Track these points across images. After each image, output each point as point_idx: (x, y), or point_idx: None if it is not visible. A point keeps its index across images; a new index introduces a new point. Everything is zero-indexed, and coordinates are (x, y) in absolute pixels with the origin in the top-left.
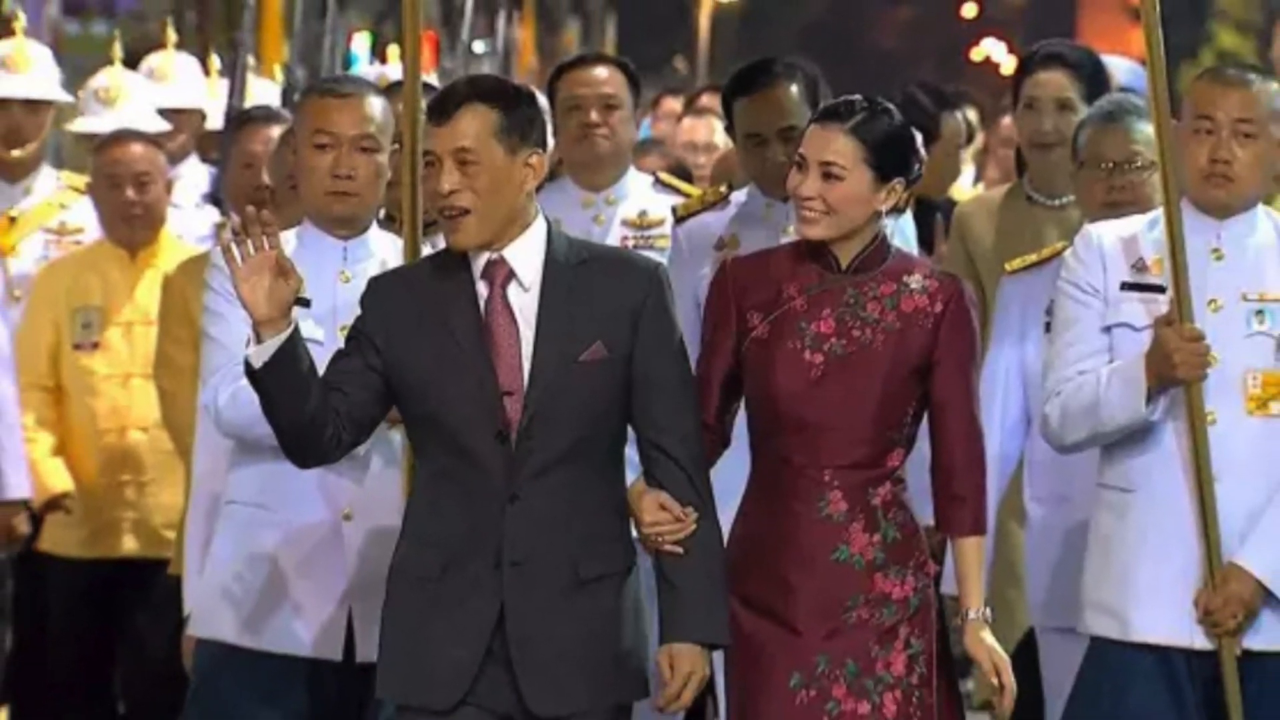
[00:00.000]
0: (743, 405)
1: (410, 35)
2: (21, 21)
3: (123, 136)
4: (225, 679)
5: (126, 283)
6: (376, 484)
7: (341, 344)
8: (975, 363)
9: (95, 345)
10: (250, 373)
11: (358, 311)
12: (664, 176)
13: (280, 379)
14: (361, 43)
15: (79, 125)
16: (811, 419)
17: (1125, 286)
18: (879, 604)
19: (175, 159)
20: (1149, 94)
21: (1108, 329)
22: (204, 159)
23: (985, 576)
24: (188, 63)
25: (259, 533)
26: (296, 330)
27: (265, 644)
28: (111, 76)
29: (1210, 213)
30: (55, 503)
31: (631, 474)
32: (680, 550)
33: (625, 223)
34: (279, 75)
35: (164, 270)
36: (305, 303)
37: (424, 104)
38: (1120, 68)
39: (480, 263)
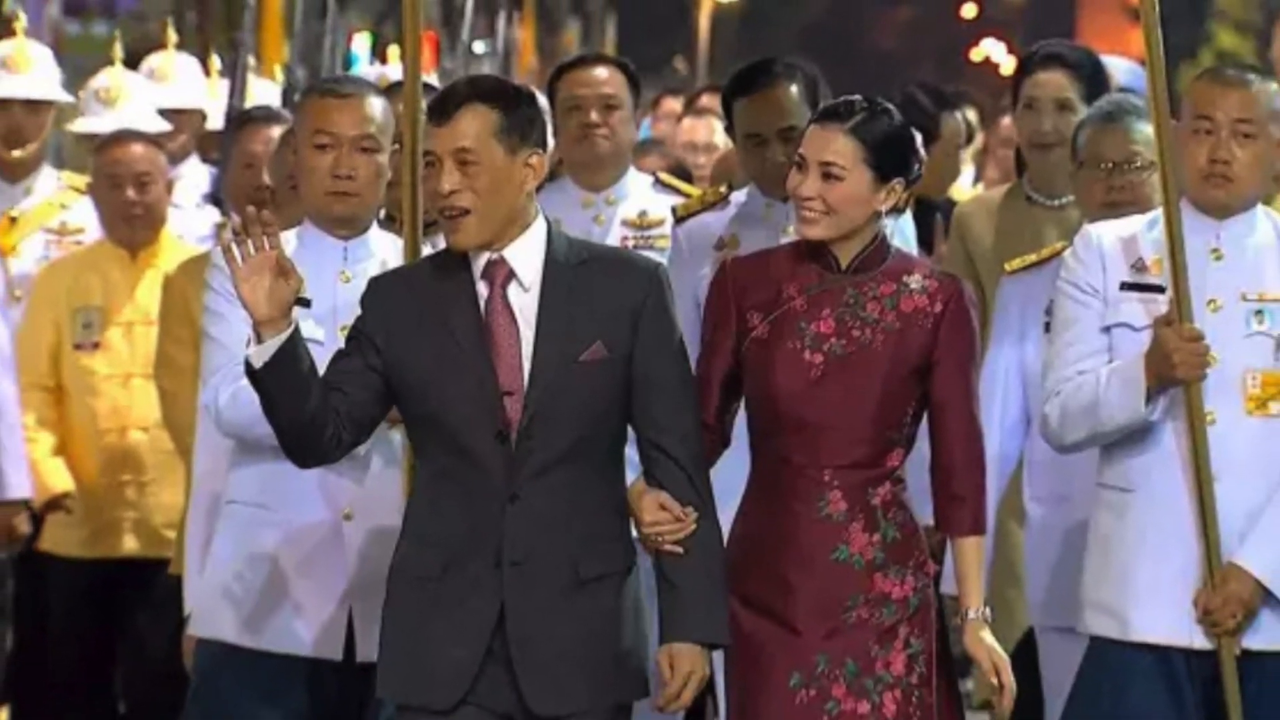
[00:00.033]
0: (743, 405)
1: (410, 35)
2: (22, 22)
3: (123, 137)
4: (226, 678)
5: (127, 283)
6: (377, 484)
7: (342, 344)
8: (975, 363)
9: (96, 345)
10: (251, 373)
11: (358, 311)
12: (664, 177)
13: (280, 379)
14: (362, 43)
15: (80, 125)
16: (811, 419)
17: (1125, 286)
18: (879, 604)
19: (176, 159)
20: (1148, 94)
21: (1107, 329)
22: (204, 159)
23: (985, 576)
24: (188, 63)
25: (259, 532)
26: (297, 330)
27: (266, 644)
28: (112, 77)
29: (1209, 213)
30: (56, 502)
31: (631, 474)
32: (680, 550)
33: (625, 223)
34: (279, 75)
35: (164, 270)
36: (306, 303)
37: (424, 104)
38: (1119, 68)
39: (480, 263)
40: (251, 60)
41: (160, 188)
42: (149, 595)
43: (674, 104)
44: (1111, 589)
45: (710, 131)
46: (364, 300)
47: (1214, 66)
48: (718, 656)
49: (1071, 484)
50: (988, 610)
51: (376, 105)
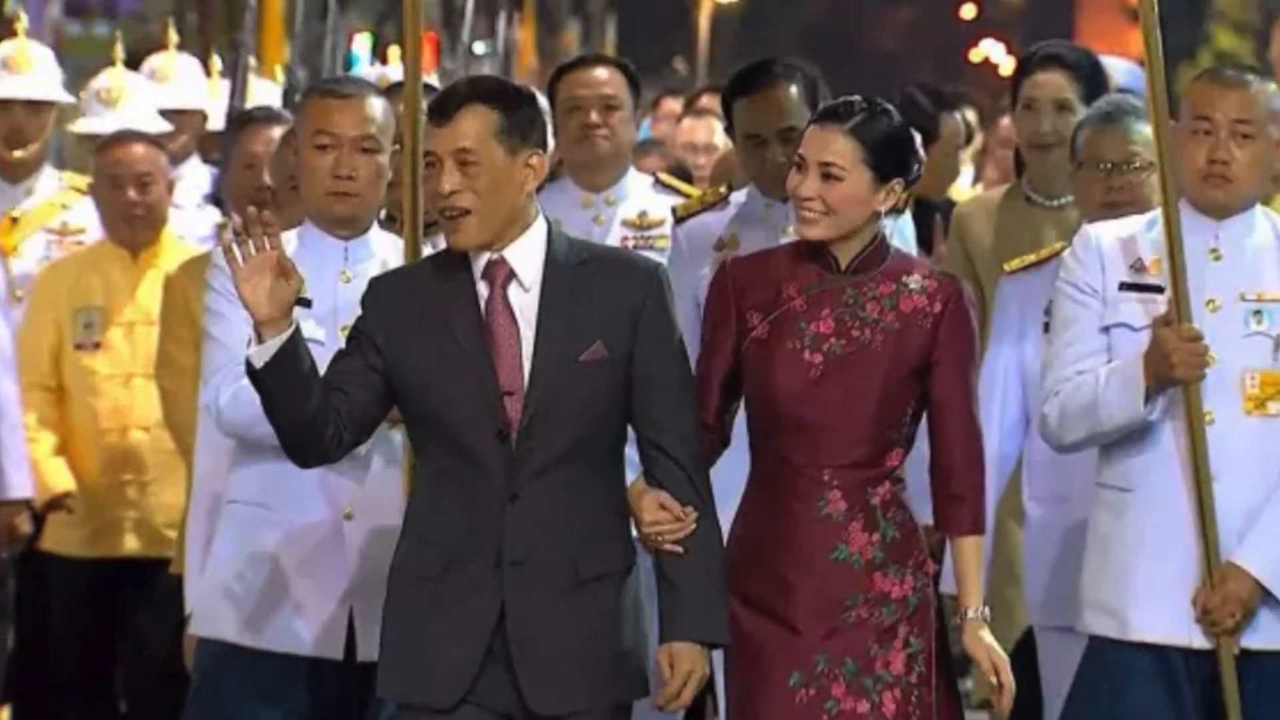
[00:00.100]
0: (743, 405)
1: (411, 36)
2: (23, 22)
3: (124, 137)
4: (226, 678)
5: (128, 283)
6: (377, 483)
7: (342, 344)
8: (974, 363)
9: (97, 345)
10: (251, 372)
11: (358, 311)
12: (664, 177)
13: (281, 379)
14: (362, 44)
15: (81, 126)
16: (811, 419)
17: (1124, 287)
18: (878, 603)
19: (177, 160)
20: (1147, 95)
21: (1106, 329)
22: (205, 160)
23: (984, 576)
24: (189, 64)
25: (260, 532)
26: (298, 330)
27: (266, 643)
28: (113, 77)
29: (1208, 213)
30: (57, 502)
31: (631, 474)
32: (680, 550)
33: (625, 223)
34: (280, 76)
35: (165, 270)
36: (306, 303)
37: (425, 105)
38: (1119, 69)
39: (481, 263)
40: (252, 61)
41: (161, 188)
42: (150, 595)
43: (674, 104)
44: (1110, 588)
45: (710, 132)
46: (364, 300)
47: (1213, 67)
48: (717, 656)
49: (1070, 484)
50: (987, 610)
51: (377, 106)
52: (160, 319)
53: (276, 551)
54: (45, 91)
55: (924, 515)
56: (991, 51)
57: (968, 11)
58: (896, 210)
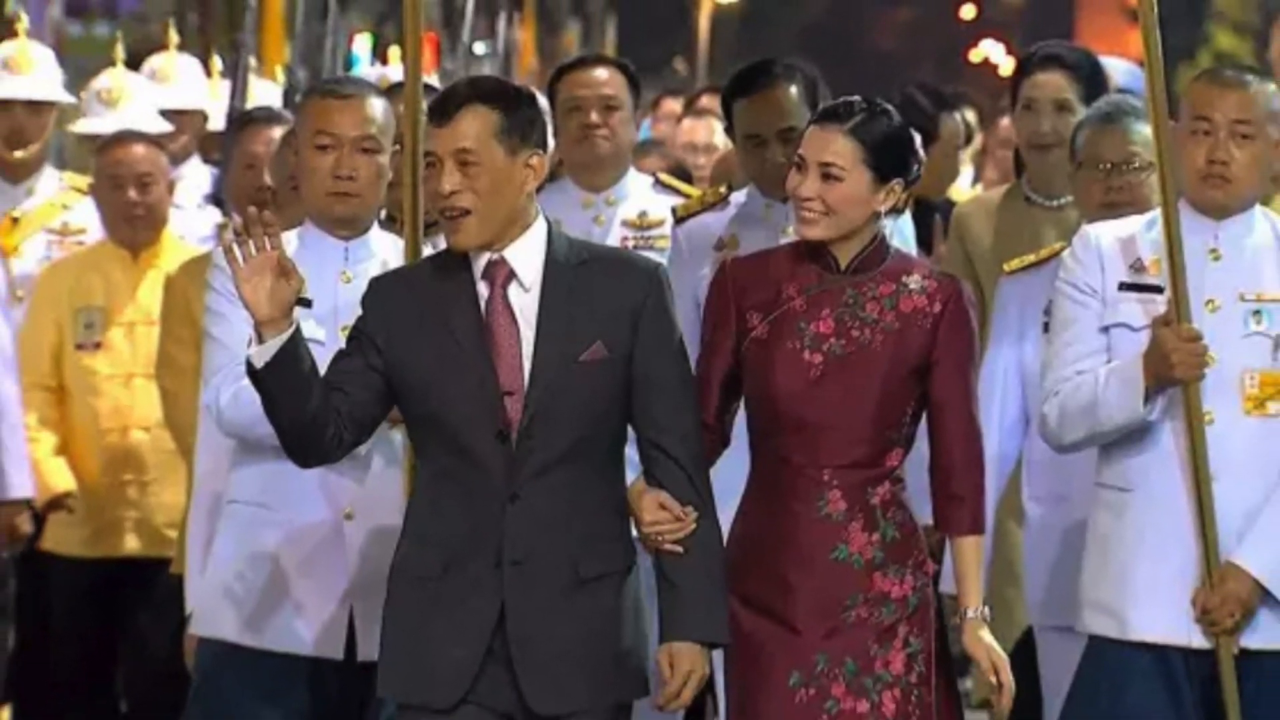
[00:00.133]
0: (743, 405)
1: (411, 37)
2: (24, 23)
3: (125, 137)
4: (227, 678)
5: (129, 283)
6: (378, 483)
7: (343, 344)
8: (974, 363)
9: (97, 345)
10: (252, 373)
11: (359, 311)
12: (664, 177)
13: (282, 379)
14: (363, 44)
15: (81, 126)
16: (811, 419)
17: (1123, 287)
18: (878, 603)
19: (177, 160)
20: (1147, 95)
21: (1106, 329)
22: (206, 160)
23: (984, 575)
24: (190, 64)
25: (261, 532)
26: (298, 330)
27: (267, 643)
28: (114, 78)
29: (1208, 213)
30: (58, 502)
31: (631, 474)
32: (680, 549)
33: (625, 223)
34: (280, 76)
35: (166, 271)
36: (307, 303)
37: (425, 105)
38: (1118, 69)
39: (481, 263)
40: (253, 61)
41: (162, 188)
42: (150, 595)
43: (674, 105)
44: (1110, 588)
45: (710, 132)
46: (365, 300)
47: (1212, 67)
48: (717, 655)
49: (1070, 484)
50: (986, 609)
51: (377, 106)
52: (161, 319)
53: (277, 551)
54: (46, 92)
55: (924, 515)
56: (991, 52)
57: (967, 12)
58: (896, 210)
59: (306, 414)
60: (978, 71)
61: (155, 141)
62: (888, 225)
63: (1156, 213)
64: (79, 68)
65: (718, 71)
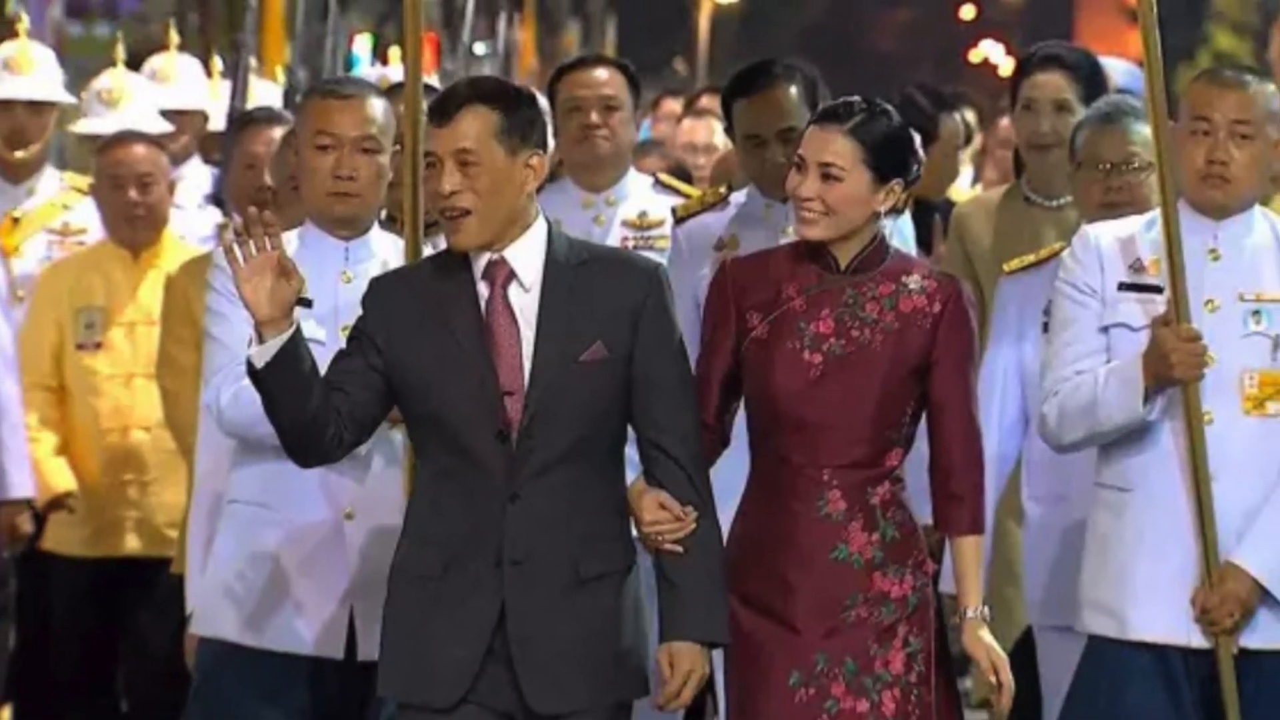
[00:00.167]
0: (742, 405)
1: (411, 37)
2: (25, 23)
3: (125, 138)
4: (227, 677)
5: (129, 283)
6: (378, 483)
7: (343, 344)
8: (973, 363)
9: (98, 345)
10: (252, 372)
11: (359, 311)
12: (664, 177)
13: (282, 379)
14: (363, 44)
15: (82, 126)
16: (810, 419)
17: (1123, 287)
18: (878, 602)
19: (178, 160)
20: (1146, 95)
21: (1105, 329)
22: (206, 160)
23: (983, 575)
24: (190, 64)
25: (261, 532)
26: (298, 330)
27: (267, 642)
28: (114, 78)
29: (1207, 213)
30: (58, 502)
31: (631, 474)
32: (680, 549)
33: (625, 223)
34: (281, 77)
35: (166, 271)
36: (307, 303)
37: (425, 105)
38: (1118, 69)
39: (481, 263)
40: (253, 61)
41: (162, 188)
42: (151, 594)
43: (674, 105)
44: (1109, 588)
45: (710, 132)
46: (365, 300)
47: (1211, 68)
48: (717, 655)
49: (1070, 483)
50: (986, 609)
51: (377, 106)
52: (161, 319)
53: (277, 551)
54: (46, 92)
55: (924, 515)
56: (991, 52)
57: (967, 12)
58: (896, 210)
59: (307, 414)
60: (977, 72)
61: (156, 142)
62: (887, 225)
63: (1156, 213)
64: (79, 68)
65: (718, 72)
